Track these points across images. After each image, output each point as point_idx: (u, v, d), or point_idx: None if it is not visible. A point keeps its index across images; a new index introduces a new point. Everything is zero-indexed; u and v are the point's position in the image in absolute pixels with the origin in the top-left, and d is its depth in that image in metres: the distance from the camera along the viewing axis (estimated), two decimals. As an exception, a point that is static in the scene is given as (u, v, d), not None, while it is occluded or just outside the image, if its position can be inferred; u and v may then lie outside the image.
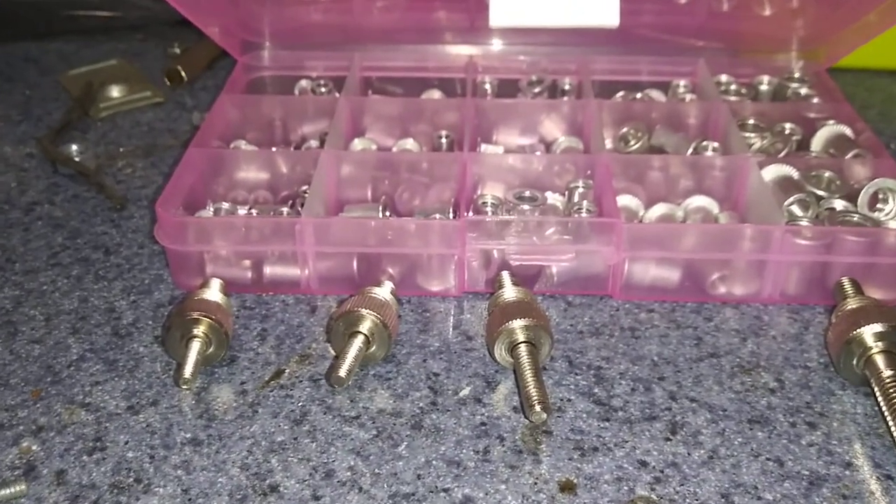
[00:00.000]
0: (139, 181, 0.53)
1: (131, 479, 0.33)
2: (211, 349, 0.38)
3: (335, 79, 0.58)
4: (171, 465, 0.34)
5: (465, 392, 0.37)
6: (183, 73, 0.64)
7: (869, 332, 0.36)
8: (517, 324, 0.37)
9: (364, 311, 0.37)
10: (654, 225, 0.44)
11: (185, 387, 0.36)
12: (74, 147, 0.56)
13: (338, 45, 0.59)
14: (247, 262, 0.43)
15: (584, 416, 0.36)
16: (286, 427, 0.35)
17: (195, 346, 0.37)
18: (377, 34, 0.59)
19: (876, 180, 0.44)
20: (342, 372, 0.35)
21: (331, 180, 0.47)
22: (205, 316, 0.37)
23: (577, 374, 0.38)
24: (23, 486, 0.32)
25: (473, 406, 0.37)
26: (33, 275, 0.45)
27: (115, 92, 0.62)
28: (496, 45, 0.60)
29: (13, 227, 0.49)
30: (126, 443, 0.35)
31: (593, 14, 0.42)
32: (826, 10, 0.56)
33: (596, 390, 0.37)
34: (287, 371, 0.38)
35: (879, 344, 0.36)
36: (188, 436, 0.35)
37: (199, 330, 0.37)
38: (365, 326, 0.37)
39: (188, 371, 0.36)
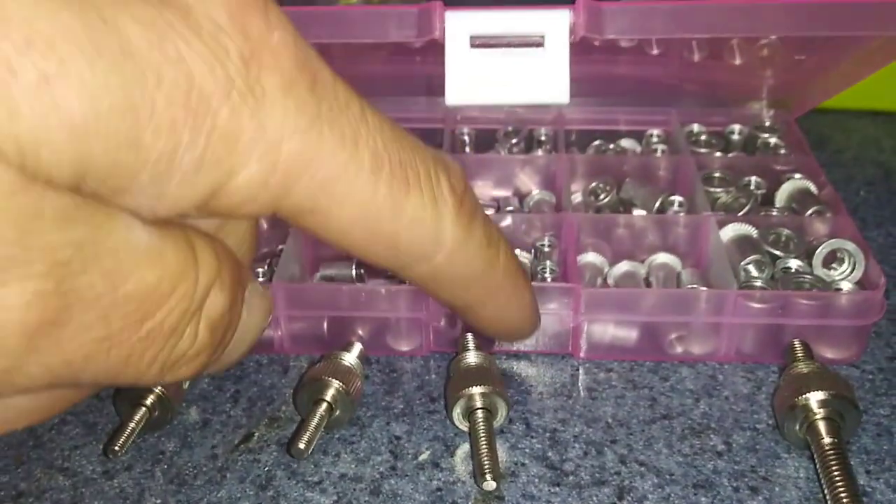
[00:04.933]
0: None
1: (103, 545, 0.35)
2: (156, 414, 0.40)
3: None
4: (142, 530, 0.36)
5: (425, 456, 0.39)
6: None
7: (812, 400, 0.38)
8: (473, 390, 0.39)
9: (328, 379, 0.39)
10: (611, 290, 0.45)
11: (110, 456, 0.38)
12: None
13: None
14: (223, 324, 0.45)
15: (536, 480, 0.38)
16: (251, 493, 0.37)
17: (138, 414, 0.39)
18: (358, 88, 0.61)
19: (830, 241, 0.45)
20: (301, 444, 0.37)
21: (307, 240, 0.49)
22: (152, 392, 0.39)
23: (532, 437, 0.40)
24: (1, 553, 0.35)
25: (431, 471, 0.38)
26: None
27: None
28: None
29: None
30: (100, 508, 0.37)
31: (545, 93, 0.44)
32: (795, 61, 0.58)
33: (550, 454, 0.39)
34: (256, 434, 0.40)
35: (821, 411, 0.37)
36: (158, 501, 0.37)
37: (147, 400, 0.39)
38: (328, 394, 0.39)
39: (119, 441, 0.38)
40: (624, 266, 0.48)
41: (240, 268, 0.26)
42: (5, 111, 0.18)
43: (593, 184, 0.54)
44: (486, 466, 0.36)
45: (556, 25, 0.44)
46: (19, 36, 0.18)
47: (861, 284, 0.45)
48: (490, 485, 0.36)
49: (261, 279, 0.48)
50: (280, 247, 0.49)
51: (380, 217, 0.26)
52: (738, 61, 0.59)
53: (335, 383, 0.39)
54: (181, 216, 0.23)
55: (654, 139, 0.59)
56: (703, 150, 0.56)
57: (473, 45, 0.45)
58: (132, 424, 0.38)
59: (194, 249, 0.23)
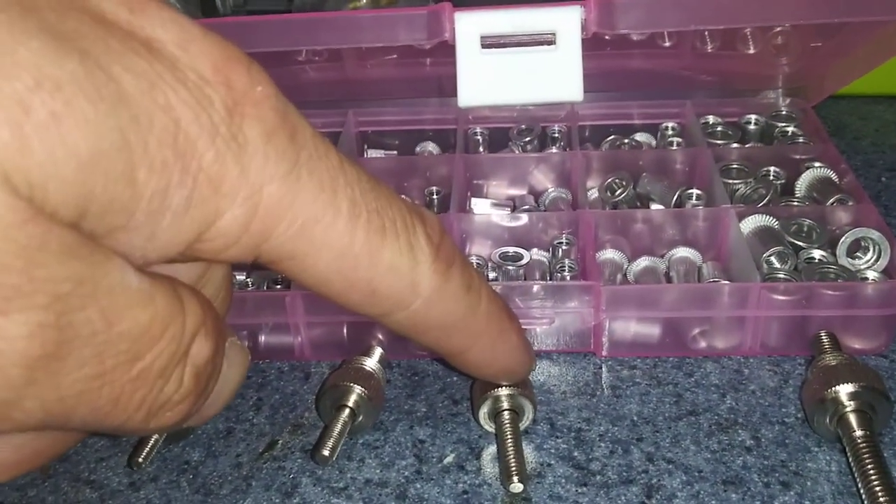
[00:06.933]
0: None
1: (132, 558, 0.35)
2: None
3: (332, 134, 0.60)
4: (169, 542, 0.36)
5: (449, 459, 0.39)
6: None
7: (842, 392, 0.37)
8: (500, 392, 0.38)
9: (350, 385, 0.39)
10: (632, 287, 0.45)
11: (135, 468, 0.38)
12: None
13: (333, 103, 0.61)
14: (243, 332, 0.45)
15: (563, 481, 0.37)
16: (277, 500, 0.37)
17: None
18: (370, 91, 0.61)
19: (853, 230, 0.44)
20: (326, 451, 0.36)
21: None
22: None
23: (558, 437, 0.40)
24: (31, 568, 0.35)
25: (457, 474, 0.38)
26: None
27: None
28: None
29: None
30: (127, 520, 0.37)
31: (558, 91, 0.43)
32: (810, 48, 0.57)
33: (576, 454, 0.39)
34: (280, 442, 0.40)
35: (852, 403, 0.37)
36: (185, 512, 0.37)
37: None
38: (350, 400, 0.39)
39: (143, 453, 0.38)
40: (644, 262, 0.47)
41: (220, 319, 0.27)
42: (17, 145, 0.19)
43: (609, 179, 0.53)
44: (513, 468, 0.36)
45: (568, 22, 0.44)
46: (30, 78, 0.19)
47: (887, 273, 0.44)
48: (517, 486, 0.35)
49: (278, 287, 0.48)
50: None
51: (357, 264, 0.26)
52: (752, 50, 0.58)
53: (357, 388, 0.39)
54: (168, 260, 0.24)
55: (670, 132, 0.58)
56: (719, 142, 0.56)
57: (485, 46, 0.44)
58: (155, 436, 0.38)
59: (181, 297, 0.24)
